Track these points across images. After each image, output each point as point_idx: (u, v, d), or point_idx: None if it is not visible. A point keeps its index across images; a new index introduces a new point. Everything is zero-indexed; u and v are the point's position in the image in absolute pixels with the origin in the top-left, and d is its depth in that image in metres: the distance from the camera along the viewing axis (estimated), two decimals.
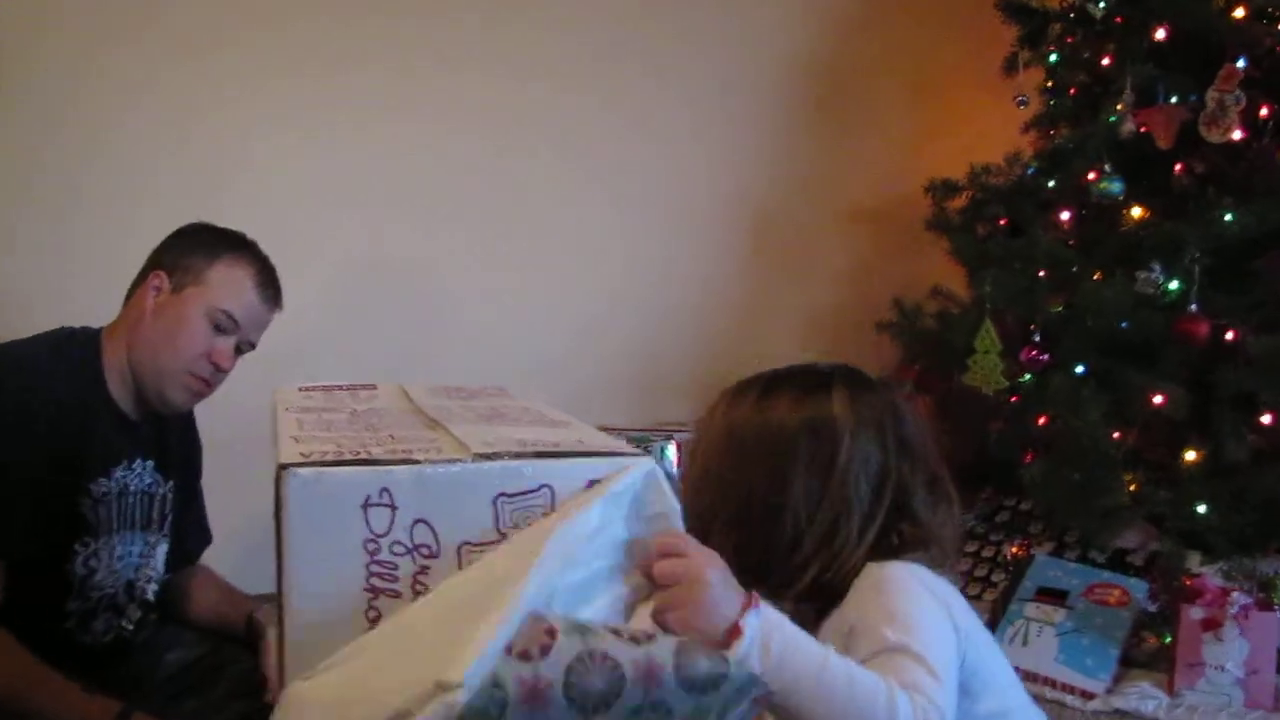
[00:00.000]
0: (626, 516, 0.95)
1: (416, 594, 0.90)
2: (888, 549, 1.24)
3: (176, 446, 1.95)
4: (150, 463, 1.85)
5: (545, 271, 3.00)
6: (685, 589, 0.98)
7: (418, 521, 0.89)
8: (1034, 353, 2.58)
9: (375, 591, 0.89)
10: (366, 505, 0.88)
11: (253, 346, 1.89)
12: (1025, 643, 2.35)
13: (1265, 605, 2.26)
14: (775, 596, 1.16)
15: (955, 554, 1.31)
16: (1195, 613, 2.25)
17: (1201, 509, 2.39)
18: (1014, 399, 2.64)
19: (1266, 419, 2.35)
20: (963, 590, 2.56)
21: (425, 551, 0.90)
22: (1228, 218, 2.41)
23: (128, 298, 1.85)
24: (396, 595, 0.89)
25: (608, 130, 3.02)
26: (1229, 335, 2.40)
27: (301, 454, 0.91)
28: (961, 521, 1.31)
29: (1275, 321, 2.38)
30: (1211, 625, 2.23)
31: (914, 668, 1.06)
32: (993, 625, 2.41)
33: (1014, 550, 2.65)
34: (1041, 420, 2.56)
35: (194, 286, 1.81)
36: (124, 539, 1.78)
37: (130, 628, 1.83)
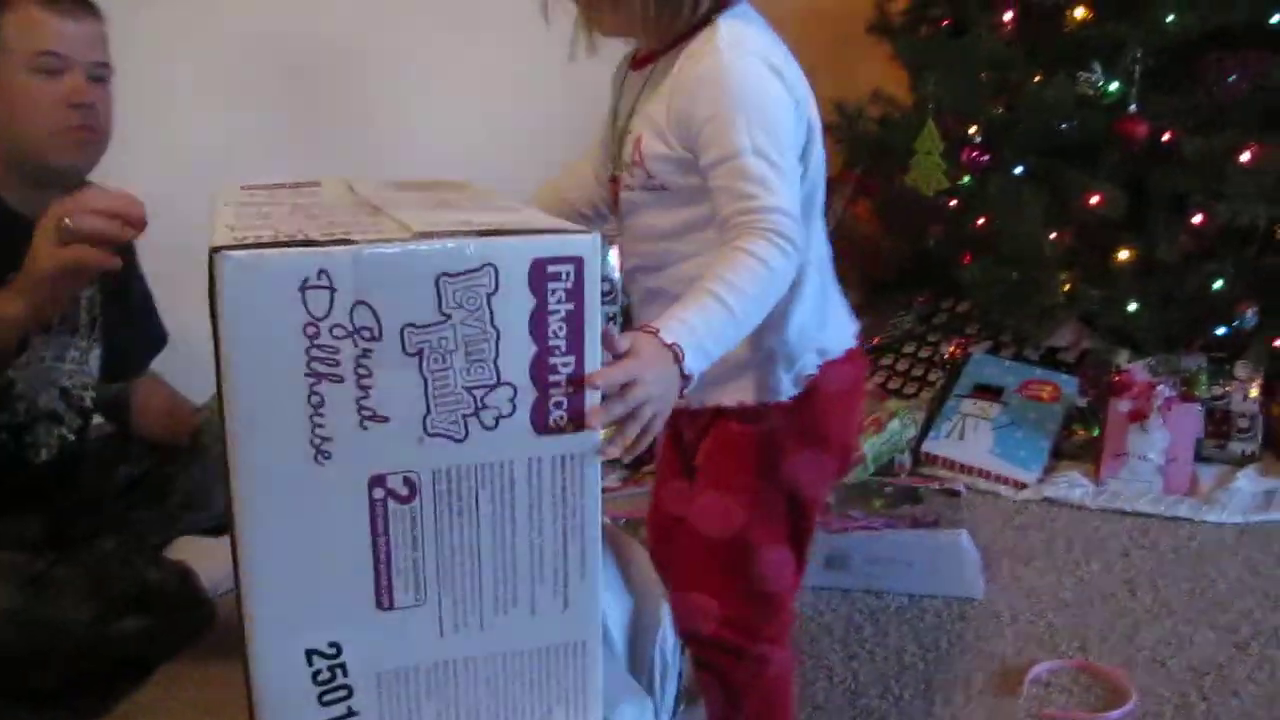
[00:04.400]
0: None
1: (360, 379, 0.89)
2: None
3: None
4: None
5: (512, 76, 2.89)
6: (642, 407, 0.99)
7: (358, 304, 0.87)
8: (974, 154, 2.59)
9: (317, 377, 0.88)
10: (304, 288, 0.85)
11: (108, 68, 1.70)
12: (961, 437, 2.44)
13: (1187, 397, 2.37)
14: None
15: None
16: (1122, 405, 2.35)
17: (1132, 307, 2.48)
18: (953, 202, 2.67)
19: (1197, 219, 2.40)
20: (900, 389, 2.66)
21: (367, 334, 0.88)
22: (1170, 19, 2.40)
23: None
24: (339, 380, 0.88)
25: None
26: (1165, 137, 2.43)
27: (235, 238, 0.87)
28: None
29: (1210, 124, 2.42)
30: (1137, 417, 2.34)
31: (765, 173, 1.09)
32: (930, 421, 2.50)
33: (951, 350, 2.72)
34: (980, 221, 2.59)
35: (1, 54, 1.63)
36: (49, 346, 1.70)
37: (73, 437, 1.76)
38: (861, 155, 2.95)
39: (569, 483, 0.97)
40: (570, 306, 0.92)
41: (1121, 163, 2.47)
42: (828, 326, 1.27)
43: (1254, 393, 2.44)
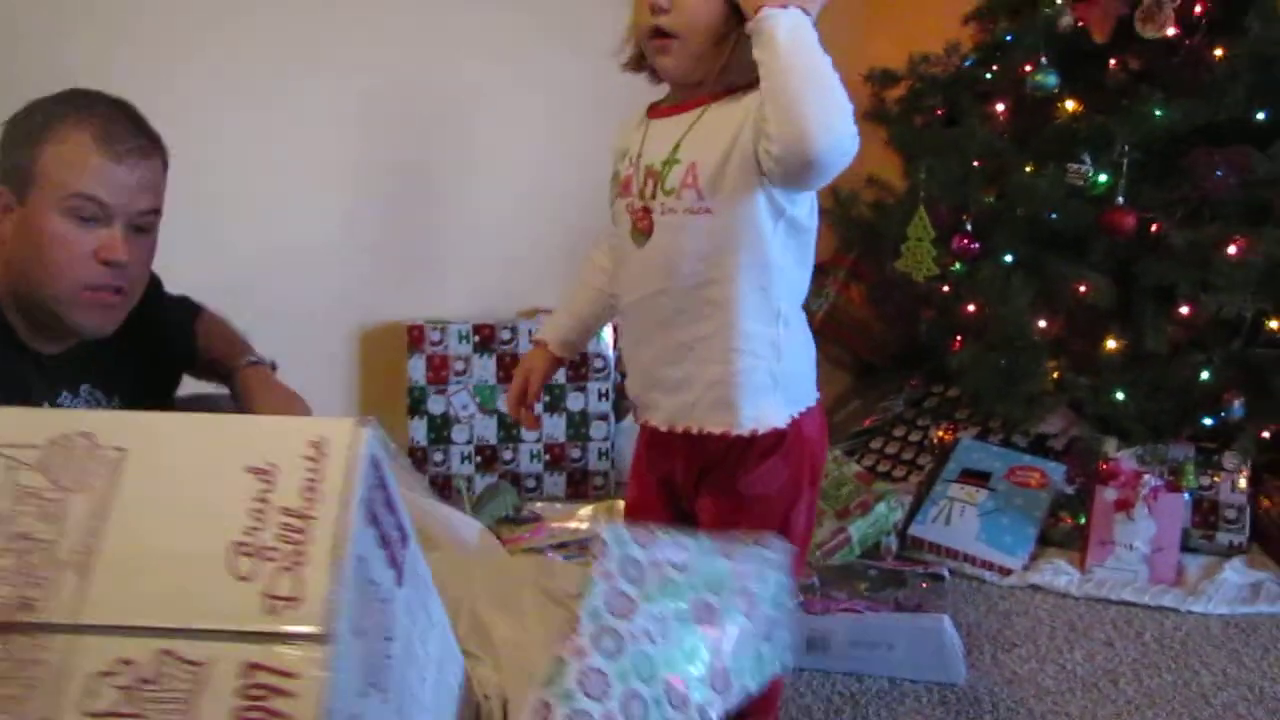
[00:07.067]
0: None
1: None
2: None
3: (116, 362, 1.63)
4: (86, 386, 1.60)
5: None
6: None
7: None
8: (965, 241, 2.62)
9: None
10: None
11: (154, 214, 1.53)
12: (948, 522, 2.44)
13: (1174, 487, 2.37)
14: None
15: None
16: (1109, 493, 2.36)
17: (1120, 396, 2.49)
18: (945, 288, 2.70)
19: (1185, 310, 2.42)
20: (889, 473, 2.65)
21: None
22: (1157, 113, 2.44)
23: None
24: None
25: (542, 43, 2.84)
26: (1153, 228, 2.46)
27: None
28: None
29: (1197, 216, 2.44)
30: (1123, 506, 2.34)
31: None
32: (917, 505, 2.50)
33: (940, 434, 2.73)
34: (971, 308, 2.61)
35: (35, 187, 1.45)
36: None
37: None
38: (855, 240, 2.98)
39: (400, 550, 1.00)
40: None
41: (1110, 253, 2.49)
42: (809, 376, 1.44)
43: (1242, 484, 2.44)
